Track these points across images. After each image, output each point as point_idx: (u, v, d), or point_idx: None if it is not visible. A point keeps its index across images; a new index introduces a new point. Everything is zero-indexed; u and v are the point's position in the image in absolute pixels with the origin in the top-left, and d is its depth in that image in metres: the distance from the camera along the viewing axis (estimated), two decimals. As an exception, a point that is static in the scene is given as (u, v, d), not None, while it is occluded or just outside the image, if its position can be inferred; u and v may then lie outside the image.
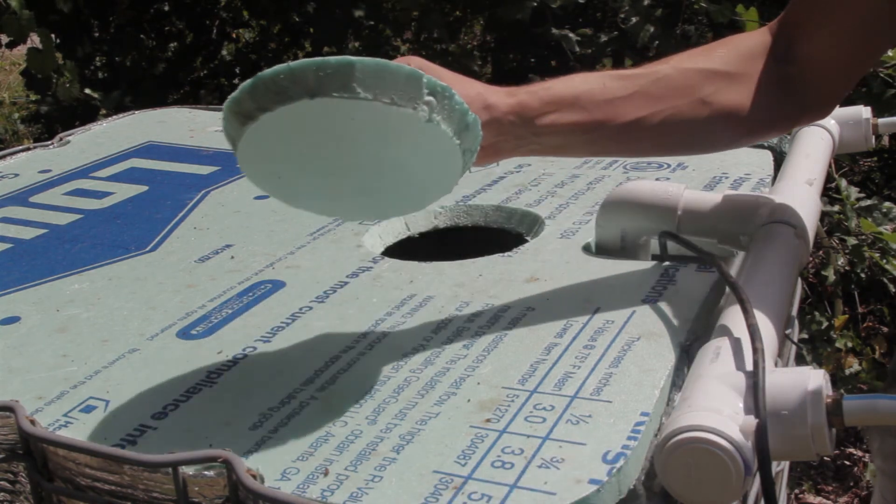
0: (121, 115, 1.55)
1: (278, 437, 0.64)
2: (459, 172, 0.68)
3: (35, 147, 1.38)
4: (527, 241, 0.96)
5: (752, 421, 0.56)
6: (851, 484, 1.91)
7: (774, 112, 0.78)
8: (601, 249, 0.91)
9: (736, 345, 0.63)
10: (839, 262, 1.93)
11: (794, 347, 1.05)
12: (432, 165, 0.68)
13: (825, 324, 1.93)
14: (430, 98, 0.62)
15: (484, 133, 0.69)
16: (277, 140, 0.64)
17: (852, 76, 0.80)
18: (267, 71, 0.61)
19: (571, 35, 2.55)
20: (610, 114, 0.76)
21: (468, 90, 0.73)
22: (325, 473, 0.60)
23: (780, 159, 1.11)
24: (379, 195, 0.72)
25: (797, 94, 0.78)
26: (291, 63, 0.61)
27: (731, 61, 0.77)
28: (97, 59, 3.38)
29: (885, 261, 1.86)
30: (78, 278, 0.94)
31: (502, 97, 0.75)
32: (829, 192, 2.01)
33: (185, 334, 0.80)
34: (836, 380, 1.87)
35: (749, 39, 0.80)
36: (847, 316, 2.00)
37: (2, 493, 0.68)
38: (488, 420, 0.64)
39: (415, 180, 0.70)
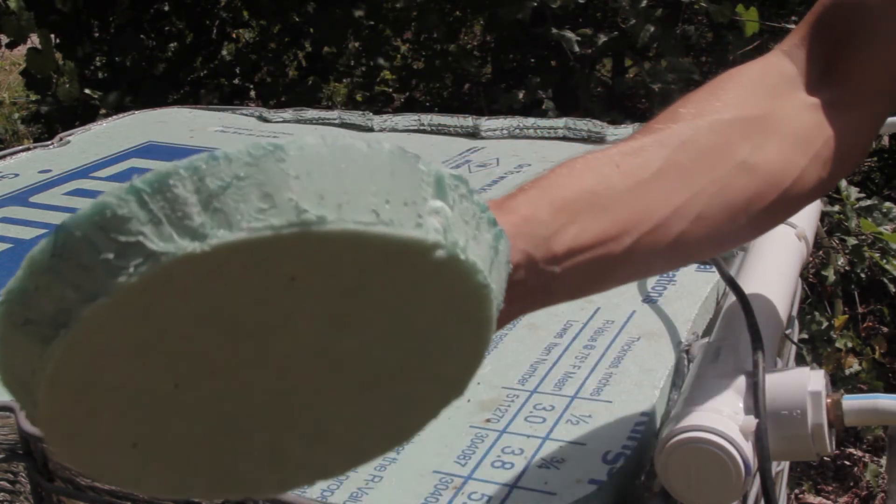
0: (121, 115, 1.55)
1: (278, 437, 0.64)
2: (486, 342, 0.39)
3: (35, 147, 1.38)
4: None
5: (752, 421, 0.56)
6: (851, 484, 1.91)
7: (824, 159, 0.60)
8: (601, 249, 0.91)
9: (736, 345, 0.63)
10: (839, 262, 1.93)
11: (794, 347, 1.05)
12: (438, 341, 0.38)
13: (825, 324, 1.93)
14: (439, 202, 0.35)
15: None
16: (123, 354, 0.33)
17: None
18: (84, 211, 0.32)
19: (571, 35, 2.55)
20: (639, 210, 0.52)
21: None
22: (326, 473, 0.59)
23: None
24: (322, 439, 0.40)
25: (843, 129, 0.61)
26: (137, 179, 0.32)
27: (751, 102, 0.60)
28: (97, 59, 3.38)
29: (885, 261, 1.86)
30: (78, 278, 0.93)
31: (497, 216, 0.41)
32: (829, 192, 2.01)
33: (185, 334, 0.80)
34: (836, 380, 1.87)
35: (760, 70, 0.62)
36: (847, 316, 2.00)
37: (2, 493, 0.68)
38: (488, 420, 0.64)
39: (404, 377, 0.39)
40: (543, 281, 0.48)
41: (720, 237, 0.57)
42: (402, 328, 0.37)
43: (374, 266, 0.33)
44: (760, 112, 0.59)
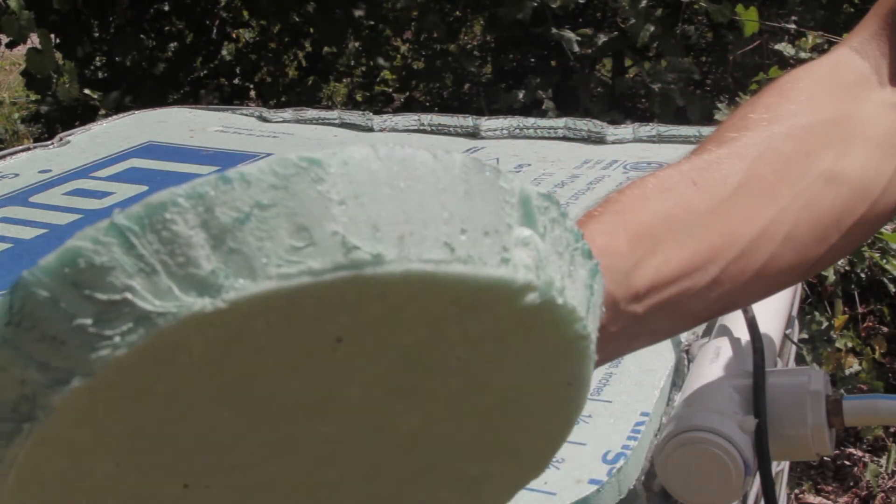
0: (121, 115, 1.55)
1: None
2: (582, 402, 0.31)
3: (35, 147, 1.38)
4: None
5: (752, 421, 0.56)
6: (851, 484, 1.91)
7: None
8: (601, 249, 0.91)
9: (736, 345, 0.63)
10: (839, 262, 1.94)
11: (794, 347, 1.05)
12: (522, 405, 0.30)
13: (825, 324, 1.93)
14: (527, 231, 0.26)
15: None
16: (105, 451, 0.25)
17: None
18: (49, 260, 0.24)
19: (571, 35, 2.55)
20: (723, 233, 0.46)
21: None
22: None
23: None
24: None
25: None
26: (119, 214, 0.24)
27: (826, 102, 0.54)
28: (97, 59, 3.38)
29: (885, 261, 1.86)
30: (78, 278, 0.93)
31: None
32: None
33: (185, 334, 0.79)
34: (836, 380, 1.87)
35: (830, 68, 0.57)
36: (847, 316, 2.00)
37: (2, 493, 0.68)
38: (488, 420, 0.64)
39: (466, 462, 0.32)
40: (624, 324, 0.42)
41: (810, 259, 0.51)
42: (477, 396, 0.28)
43: (446, 317, 0.25)
44: (839, 115, 0.53)
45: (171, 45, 3.48)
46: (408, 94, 3.44)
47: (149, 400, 0.23)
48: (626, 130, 1.24)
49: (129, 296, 0.22)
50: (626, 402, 0.65)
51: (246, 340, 0.23)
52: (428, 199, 0.24)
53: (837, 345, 1.92)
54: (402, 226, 0.23)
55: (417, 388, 0.27)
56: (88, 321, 0.22)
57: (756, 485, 0.73)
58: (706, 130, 1.21)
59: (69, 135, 1.42)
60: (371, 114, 1.41)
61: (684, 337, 0.73)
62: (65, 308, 0.22)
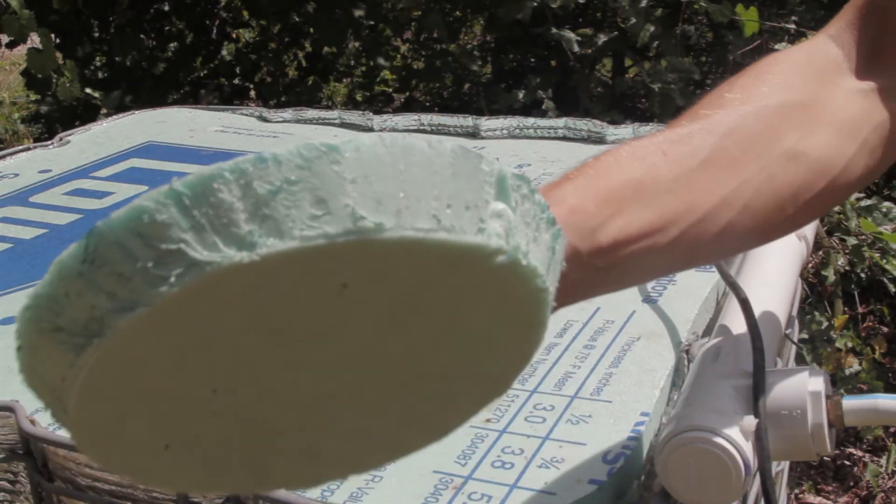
0: (121, 115, 1.55)
1: (278, 437, 0.64)
2: (538, 342, 0.39)
3: (35, 147, 1.38)
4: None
5: (752, 421, 0.56)
6: (851, 484, 1.91)
7: (873, 146, 0.59)
8: (601, 249, 0.91)
9: (736, 345, 0.63)
10: (839, 262, 1.93)
11: (794, 347, 1.05)
12: (491, 342, 0.37)
13: (825, 324, 1.93)
14: (501, 204, 0.32)
15: None
16: (160, 363, 0.31)
17: None
18: (119, 215, 0.29)
19: (571, 35, 2.55)
20: (687, 200, 0.51)
21: None
22: (325, 473, 0.59)
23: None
24: (360, 436, 0.38)
25: (894, 115, 0.59)
26: (178, 182, 0.29)
27: (798, 87, 0.58)
28: (97, 59, 3.38)
29: (885, 261, 1.86)
30: (78, 278, 0.93)
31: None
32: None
33: (185, 334, 0.80)
34: (836, 380, 1.87)
35: (806, 54, 0.61)
36: (847, 316, 2.00)
37: (2, 493, 0.68)
38: (488, 420, 0.64)
39: (455, 379, 0.38)
40: (587, 274, 0.47)
41: (767, 227, 0.56)
42: (453, 332, 0.35)
43: (431, 272, 0.32)
44: (808, 98, 0.57)
45: (171, 45, 3.48)
46: (408, 94, 3.44)
47: (192, 326, 0.30)
48: (626, 130, 1.25)
49: (182, 247, 0.28)
50: (626, 402, 0.65)
51: (271, 285, 0.29)
52: (422, 180, 0.30)
53: (837, 345, 1.92)
54: (399, 201, 0.30)
55: (405, 325, 0.33)
56: (150, 264, 0.28)
57: (756, 485, 0.73)
58: (706, 130, 1.21)
59: (69, 135, 1.42)
60: (371, 114, 1.41)
61: (684, 337, 0.73)
62: (131, 252, 0.28)
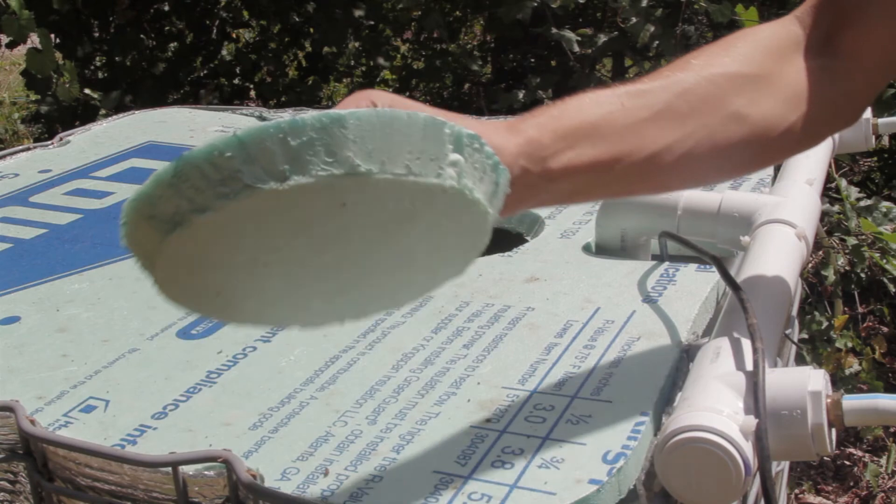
0: (121, 115, 1.55)
1: (278, 437, 0.64)
2: (482, 245, 0.52)
3: (35, 147, 1.38)
4: (527, 241, 0.96)
5: (752, 421, 0.56)
6: (851, 484, 1.91)
7: (819, 116, 0.67)
8: (601, 249, 0.91)
9: (736, 345, 0.63)
10: (839, 262, 1.93)
11: (794, 347, 1.05)
12: (448, 243, 0.51)
13: (825, 324, 1.93)
14: (457, 156, 0.46)
15: None
16: (219, 245, 0.45)
17: (893, 71, 0.69)
18: (199, 149, 0.43)
19: (571, 35, 2.55)
20: (633, 143, 0.61)
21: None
22: (325, 473, 0.60)
23: (780, 159, 1.11)
24: (368, 291, 0.54)
25: (836, 95, 0.67)
26: (240, 132, 0.42)
27: (757, 60, 0.66)
28: (97, 59, 3.38)
29: (885, 261, 1.86)
30: (78, 278, 0.94)
31: (507, 136, 0.57)
32: (829, 192, 2.01)
33: (185, 334, 0.80)
34: (836, 380, 1.87)
35: (772, 32, 0.68)
36: (847, 316, 2.00)
37: (2, 493, 0.68)
38: (488, 420, 0.64)
39: (420, 265, 0.53)
40: (537, 191, 0.59)
41: (702, 174, 0.68)
42: (425, 237, 0.49)
43: (406, 200, 0.46)
44: (763, 71, 0.65)
45: (171, 45, 3.48)
46: (408, 94, 3.44)
47: (241, 224, 0.44)
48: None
49: (239, 174, 0.42)
50: (626, 402, 0.65)
51: (296, 203, 0.43)
52: (400, 140, 0.44)
53: (837, 345, 1.92)
54: (383, 154, 0.43)
55: (388, 233, 0.48)
56: (217, 182, 0.42)
57: (756, 485, 0.73)
58: (706, 130, 1.21)
59: (69, 135, 1.42)
60: (371, 114, 1.41)
61: (684, 337, 0.73)
62: (205, 174, 0.42)
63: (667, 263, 0.86)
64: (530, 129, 0.59)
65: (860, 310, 2.17)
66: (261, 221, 0.44)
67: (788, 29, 0.68)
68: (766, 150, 0.66)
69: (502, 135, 0.58)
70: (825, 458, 1.68)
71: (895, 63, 0.67)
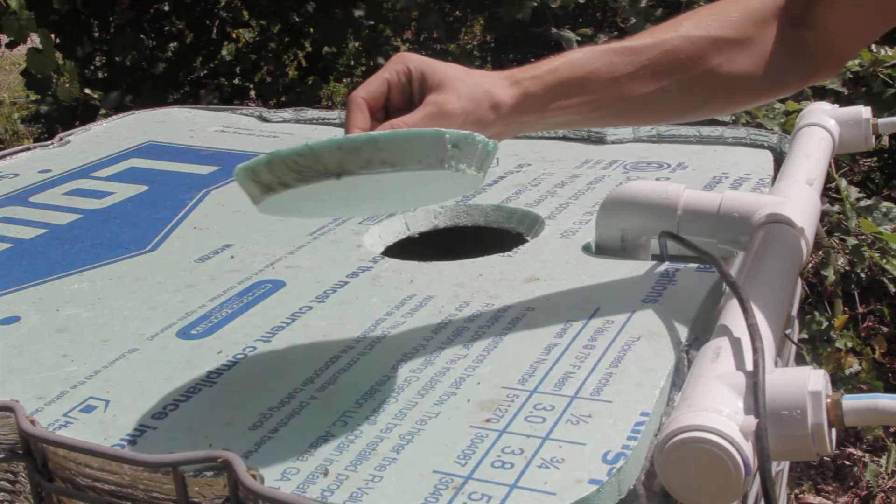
0: (121, 115, 1.55)
1: (278, 437, 0.64)
2: (480, 184, 0.71)
3: (35, 147, 1.39)
4: (527, 241, 0.96)
5: (752, 421, 0.56)
6: (851, 484, 1.91)
7: (784, 76, 0.80)
8: (601, 249, 0.91)
9: (736, 345, 0.63)
10: (839, 262, 1.93)
11: (794, 347, 1.05)
12: (453, 188, 0.73)
13: (825, 324, 1.93)
14: (455, 150, 0.63)
15: (492, 127, 0.72)
16: (300, 199, 0.65)
17: (867, 40, 0.83)
18: (285, 150, 0.60)
19: (571, 35, 2.55)
20: (616, 93, 0.75)
21: (474, 91, 0.71)
22: (325, 473, 0.60)
23: (780, 159, 1.11)
24: (395, 204, 0.87)
25: (810, 57, 0.79)
26: (311, 143, 0.60)
27: (742, 26, 0.77)
28: (97, 59, 3.38)
29: (885, 261, 1.86)
30: (78, 278, 0.94)
31: (508, 90, 0.73)
32: (829, 192, 2.01)
33: (185, 334, 0.80)
34: (836, 380, 1.87)
35: (760, 2, 0.79)
36: (847, 316, 2.00)
37: (2, 493, 0.68)
38: (488, 420, 0.64)
39: (434, 195, 0.83)
40: (530, 125, 0.77)
41: (673, 117, 0.89)
42: (437, 187, 0.71)
43: (421, 176, 0.64)
44: (744, 36, 0.78)
45: (171, 45, 3.48)
46: (408, 94, 3.44)
47: (312, 191, 0.62)
48: (626, 130, 1.25)
49: (309, 170, 0.61)
50: (626, 402, 0.65)
51: (345, 184, 0.62)
52: (415, 148, 0.62)
53: (837, 345, 1.92)
54: (405, 157, 0.61)
55: (410, 188, 0.69)
56: (296, 171, 0.61)
57: (756, 485, 0.73)
58: (706, 130, 1.21)
59: (69, 135, 1.42)
60: (371, 114, 1.41)
61: (684, 337, 0.73)
62: (288, 166, 0.61)
63: (667, 263, 0.86)
64: (528, 82, 0.74)
65: (860, 310, 2.17)
66: (324, 189, 0.62)
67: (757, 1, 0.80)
68: (732, 102, 0.84)
69: (506, 90, 0.73)
70: (825, 458, 1.68)
71: (866, 37, 0.82)
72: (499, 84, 0.73)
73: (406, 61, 0.72)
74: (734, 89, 0.79)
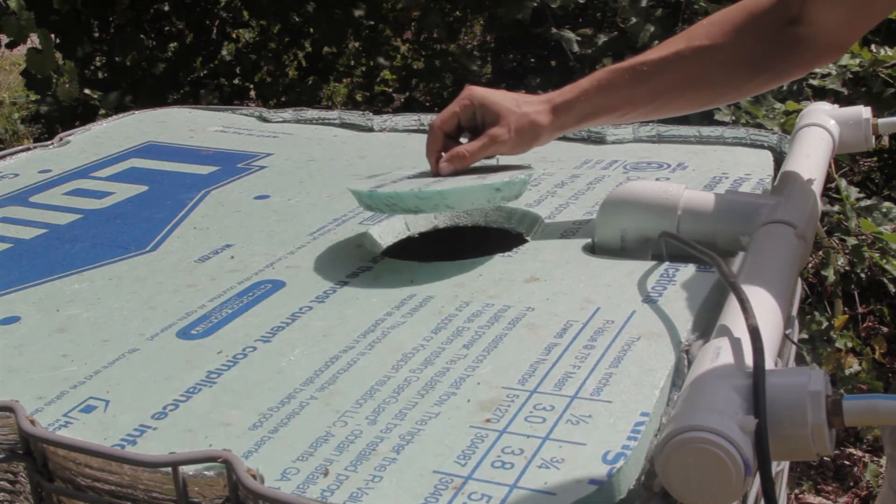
0: (121, 115, 1.55)
1: (278, 437, 0.64)
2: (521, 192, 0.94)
3: (35, 147, 1.39)
4: (527, 241, 0.96)
5: (752, 421, 0.56)
6: (851, 484, 1.91)
7: (787, 66, 0.93)
8: (601, 249, 0.91)
9: (736, 345, 0.63)
10: (839, 262, 1.93)
11: (794, 347, 1.05)
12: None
13: (825, 324, 1.93)
14: (498, 192, 0.88)
15: (534, 146, 0.97)
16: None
17: (856, 31, 0.92)
18: (381, 191, 0.88)
19: (571, 35, 2.55)
20: (628, 107, 0.96)
21: (522, 122, 0.94)
22: (325, 473, 0.60)
23: (780, 159, 1.11)
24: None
25: (809, 48, 0.91)
26: (399, 190, 0.88)
27: (736, 39, 0.91)
28: (97, 59, 3.38)
29: (885, 261, 1.86)
30: (78, 278, 0.94)
31: (548, 117, 0.95)
32: (829, 192, 2.01)
33: (185, 334, 0.80)
34: (836, 380, 1.87)
35: (758, 5, 0.92)
36: (847, 316, 2.00)
37: (2, 493, 0.68)
38: (488, 420, 0.64)
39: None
40: (558, 134, 0.98)
41: (675, 112, 0.99)
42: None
43: (483, 203, 0.88)
44: (737, 44, 0.92)
45: (171, 45, 3.48)
46: (408, 94, 3.44)
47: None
48: (626, 130, 1.25)
49: (395, 207, 0.89)
50: (626, 402, 0.65)
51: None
52: (470, 196, 0.88)
53: (837, 345, 1.92)
54: (463, 202, 0.89)
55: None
56: (388, 206, 0.89)
57: (756, 485, 0.73)
58: (706, 130, 1.21)
59: (69, 135, 1.42)
60: (371, 114, 1.41)
61: (684, 337, 0.73)
62: (382, 201, 0.89)
63: (667, 263, 0.86)
64: (563, 114, 0.95)
65: (860, 310, 2.17)
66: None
67: (757, 4, 0.92)
68: (722, 100, 1.01)
69: (545, 115, 0.94)
70: (825, 458, 1.68)
71: (856, 29, 0.92)
72: (541, 112, 0.94)
73: (471, 96, 0.95)
74: (724, 95, 0.98)
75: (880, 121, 1.12)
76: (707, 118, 1.95)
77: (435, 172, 0.96)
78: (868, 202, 1.89)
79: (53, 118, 2.97)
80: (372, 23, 3.37)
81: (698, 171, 1.09)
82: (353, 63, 3.75)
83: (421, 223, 1.03)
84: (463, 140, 0.99)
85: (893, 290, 1.98)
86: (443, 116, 0.96)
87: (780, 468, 1.09)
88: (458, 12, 3.34)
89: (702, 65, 0.92)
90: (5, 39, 2.67)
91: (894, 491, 1.15)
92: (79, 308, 0.87)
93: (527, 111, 0.93)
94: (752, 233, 0.83)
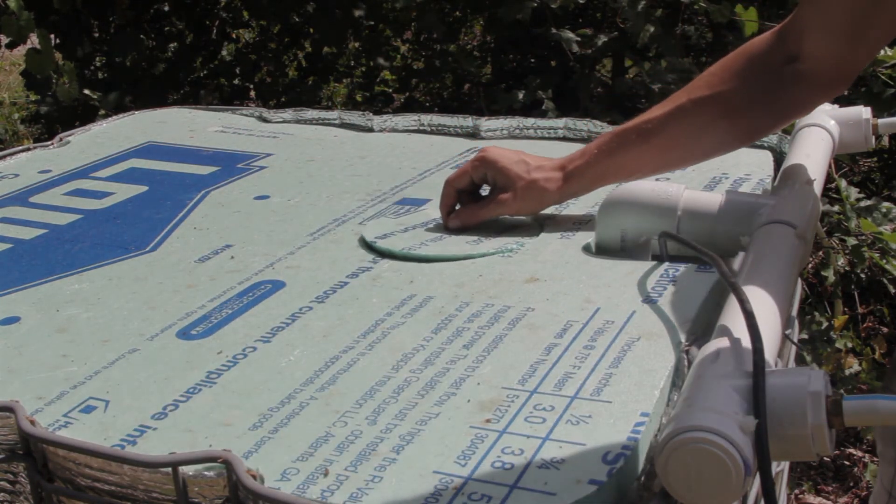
0: (121, 115, 1.55)
1: (278, 437, 0.64)
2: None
3: (35, 147, 1.38)
4: (527, 241, 0.96)
5: (752, 421, 0.56)
6: (851, 484, 1.91)
7: (791, 105, 0.92)
8: (601, 249, 0.91)
9: (736, 345, 0.63)
10: (839, 262, 1.94)
11: (794, 347, 1.05)
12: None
13: (825, 324, 1.93)
14: (517, 246, 0.94)
15: (541, 209, 1.00)
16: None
17: (858, 60, 0.89)
18: (378, 245, 0.94)
19: (571, 35, 2.55)
20: (634, 168, 0.96)
21: (531, 191, 0.97)
22: (325, 473, 0.60)
23: (780, 159, 1.11)
24: None
25: (812, 85, 0.90)
26: (406, 251, 0.92)
27: (743, 92, 0.91)
28: (97, 59, 3.38)
29: (885, 261, 1.86)
30: (78, 278, 0.94)
31: (557, 184, 0.97)
32: (829, 192, 2.01)
33: (185, 334, 0.80)
34: (836, 380, 1.87)
35: (757, 50, 0.92)
36: (847, 316, 2.00)
37: (2, 494, 0.68)
38: (488, 420, 0.64)
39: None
40: (580, 193, 1.01)
41: (680, 165, 1.06)
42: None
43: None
44: (746, 96, 0.91)
45: (171, 45, 3.48)
46: (408, 94, 3.44)
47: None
48: (626, 130, 1.24)
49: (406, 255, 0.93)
50: (626, 402, 0.65)
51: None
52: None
53: (837, 345, 1.92)
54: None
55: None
56: (389, 254, 0.94)
57: (756, 485, 0.73)
58: (706, 130, 1.21)
59: (69, 135, 1.42)
60: (371, 114, 1.41)
61: (684, 337, 0.73)
62: (385, 252, 0.94)
63: (667, 263, 0.86)
64: (574, 179, 0.97)
65: (860, 310, 2.17)
66: None
67: (770, 47, 0.91)
68: (744, 143, 0.99)
69: (556, 183, 0.97)
70: (825, 458, 1.68)
71: (856, 62, 0.89)
72: (551, 180, 0.97)
73: (484, 158, 0.99)
74: (744, 138, 0.96)
75: (880, 121, 1.12)
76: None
77: (445, 225, 1.00)
78: (868, 202, 1.89)
79: (53, 118, 2.97)
80: (372, 23, 3.37)
81: (698, 171, 1.09)
82: (353, 63, 3.75)
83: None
84: (482, 192, 1.03)
85: (893, 291, 1.98)
86: (457, 174, 1.01)
87: (780, 468, 1.09)
88: (458, 12, 3.34)
89: (705, 115, 0.91)
90: (5, 40, 2.67)
91: (885, 488, 1.15)
92: (79, 308, 0.87)
93: (536, 178, 0.96)
94: (752, 233, 0.83)
